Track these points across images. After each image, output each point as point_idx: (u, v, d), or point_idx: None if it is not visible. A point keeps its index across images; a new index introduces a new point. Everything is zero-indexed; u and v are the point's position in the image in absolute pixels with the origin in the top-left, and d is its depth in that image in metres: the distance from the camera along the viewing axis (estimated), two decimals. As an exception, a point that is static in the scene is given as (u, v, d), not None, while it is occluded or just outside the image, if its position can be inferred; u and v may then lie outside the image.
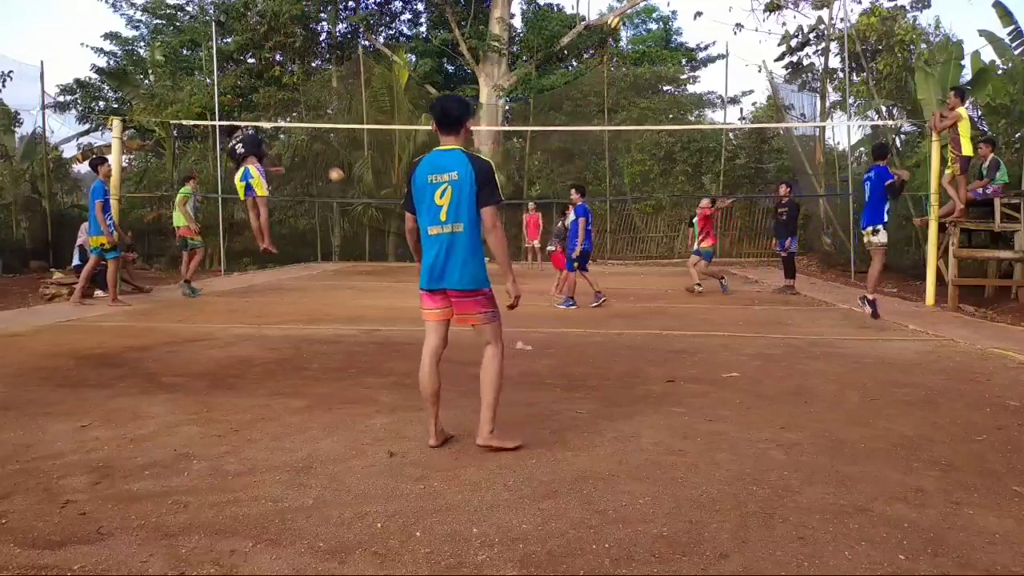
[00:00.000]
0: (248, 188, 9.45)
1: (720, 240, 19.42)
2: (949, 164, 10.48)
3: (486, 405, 3.78)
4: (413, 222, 3.88)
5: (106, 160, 10.62)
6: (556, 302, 10.27)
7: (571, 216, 10.51)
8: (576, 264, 10.07)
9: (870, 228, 7.85)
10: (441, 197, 3.69)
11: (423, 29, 25.79)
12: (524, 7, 25.76)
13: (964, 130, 10.17)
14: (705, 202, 12.60)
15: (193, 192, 12.25)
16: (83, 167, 20.65)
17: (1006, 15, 13.94)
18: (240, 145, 9.64)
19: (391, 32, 25.48)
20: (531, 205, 18.98)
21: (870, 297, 7.99)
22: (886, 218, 7.84)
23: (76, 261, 11.79)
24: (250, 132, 10.45)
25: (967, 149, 10.21)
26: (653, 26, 29.61)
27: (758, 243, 20.52)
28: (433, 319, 3.86)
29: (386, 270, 17.85)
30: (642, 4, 26.55)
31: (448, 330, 3.90)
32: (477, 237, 3.76)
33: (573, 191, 10.34)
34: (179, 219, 11.82)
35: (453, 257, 3.71)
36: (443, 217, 3.70)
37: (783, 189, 12.49)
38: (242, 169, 9.46)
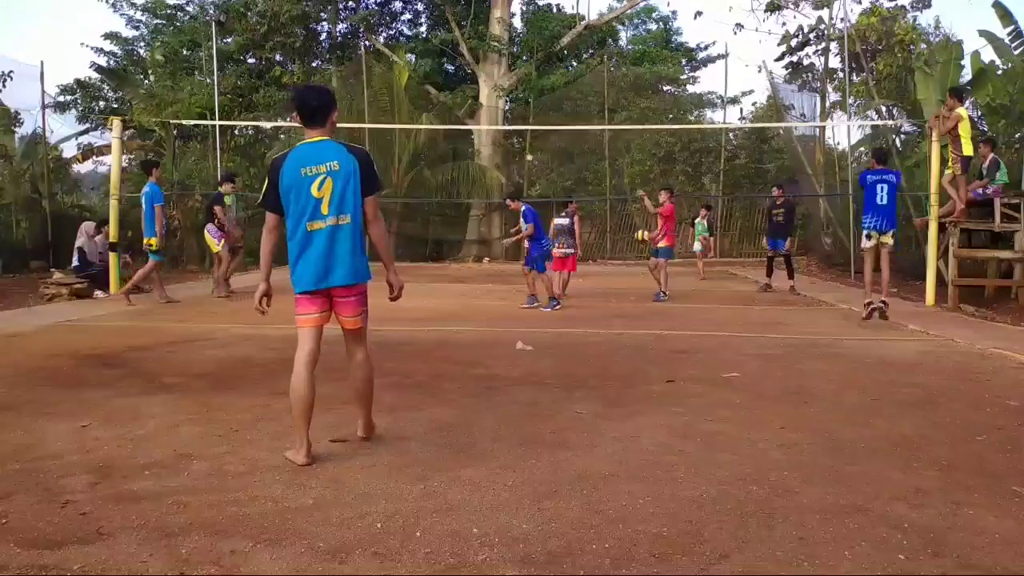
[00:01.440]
0: None
1: (720, 240, 19.44)
2: (949, 164, 10.49)
3: (366, 415, 3.83)
4: (276, 222, 3.58)
5: (159, 163, 10.63)
6: (541, 304, 9.90)
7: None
8: (529, 266, 10.00)
9: (891, 232, 8.24)
10: (319, 189, 3.43)
11: (423, 29, 25.76)
12: (524, 7, 25.73)
13: (964, 130, 10.17)
14: (664, 195, 11.46)
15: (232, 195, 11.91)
16: (83, 167, 20.67)
17: (1006, 15, 13.94)
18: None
19: (391, 32, 25.45)
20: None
21: (886, 299, 8.20)
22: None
23: (75, 262, 11.76)
24: (215, 193, 11.46)
25: (967, 149, 10.22)
26: (653, 26, 29.59)
27: (758, 243, 20.51)
28: (311, 324, 3.62)
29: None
30: (642, 4, 26.53)
31: (322, 335, 3.69)
32: (362, 228, 3.59)
33: (508, 200, 10.72)
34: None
35: (339, 251, 3.49)
36: (324, 210, 3.45)
37: (776, 191, 13.00)
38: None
